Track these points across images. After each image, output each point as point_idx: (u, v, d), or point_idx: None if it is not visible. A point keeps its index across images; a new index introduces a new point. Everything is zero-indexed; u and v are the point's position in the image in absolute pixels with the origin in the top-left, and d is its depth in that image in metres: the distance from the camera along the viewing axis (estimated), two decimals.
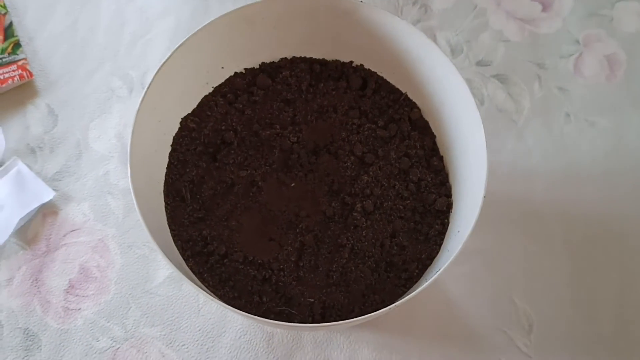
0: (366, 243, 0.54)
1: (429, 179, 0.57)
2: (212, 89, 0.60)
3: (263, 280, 0.52)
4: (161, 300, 0.60)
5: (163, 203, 0.55)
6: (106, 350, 0.58)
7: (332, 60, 0.62)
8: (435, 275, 0.45)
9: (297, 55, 0.61)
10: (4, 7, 0.73)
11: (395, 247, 0.54)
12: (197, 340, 0.58)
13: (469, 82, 0.70)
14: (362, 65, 0.61)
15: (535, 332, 0.59)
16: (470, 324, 0.60)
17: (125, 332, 0.59)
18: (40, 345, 0.58)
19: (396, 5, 0.75)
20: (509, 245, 0.63)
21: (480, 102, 0.70)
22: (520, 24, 0.75)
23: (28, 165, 0.65)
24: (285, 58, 0.61)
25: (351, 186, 0.56)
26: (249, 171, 0.57)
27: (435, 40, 0.73)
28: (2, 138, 0.66)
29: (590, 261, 0.62)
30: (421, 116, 0.60)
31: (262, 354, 0.58)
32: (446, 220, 0.55)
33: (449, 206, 0.55)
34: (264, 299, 0.51)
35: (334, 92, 0.60)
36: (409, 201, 0.56)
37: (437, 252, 0.54)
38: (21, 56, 0.70)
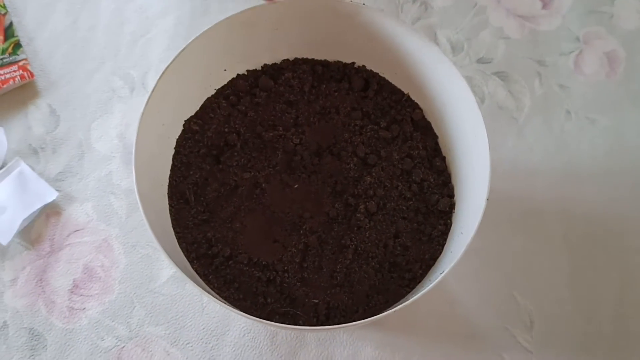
0: (369, 244, 0.54)
1: (432, 180, 0.57)
2: (215, 91, 0.60)
3: (268, 282, 0.53)
4: (165, 299, 0.60)
5: (167, 205, 0.55)
6: (111, 349, 0.59)
7: (334, 61, 0.62)
8: (440, 278, 0.46)
9: (299, 56, 0.61)
10: (4, 7, 0.72)
11: (399, 248, 0.54)
12: (201, 339, 0.59)
13: (469, 79, 0.71)
14: (364, 66, 0.61)
15: (536, 328, 0.60)
16: (472, 321, 0.60)
17: (130, 331, 0.59)
18: (46, 345, 0.59)
19: (396, 3, 0.75)
20: (510, 242, 0.63)
21: (481, 99, 0.70)
22: (521, 21, 0.75)
23: (30, 166, 0.65)
24: (287, 59, 0.61)
25: (354, 187, 0.56)
26: (252, 173, 0.57)
27: (435, 38, 0.73)
28: (4, 139, 0.66)
29: (591, 258, 0.63)
30: (423, 117, 0.60)
31: (266, 351, 0.58)
32: (449, 221, 0.55)
33: (452, 207, 0.56)
34: (269, 300, 0.52)
35: (336, 94, 0.61)
36: (411, 202, 0.56)
37: (440, 253, 0.54)
38: (22, 56, 0.70)
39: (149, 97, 0.52)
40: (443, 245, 0.54)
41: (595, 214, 0.65)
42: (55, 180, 0.66)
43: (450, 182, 0.57)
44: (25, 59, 0.70)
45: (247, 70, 0.61)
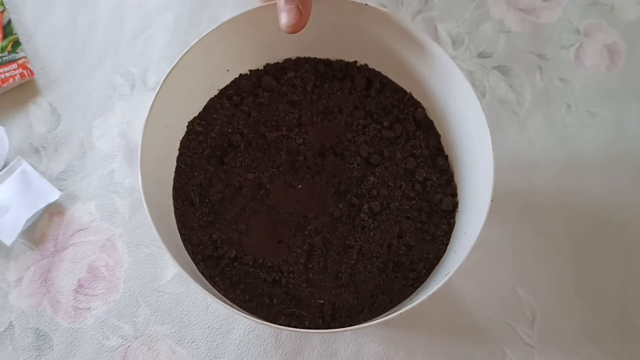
0: (374, 244, 0.54)
1: (435, 179, 0.57)
2: (218, 91, 0.60)
3: (273, 283, 0.53)
4: (170, 298, 0.61)
5: (172, 207, 0.55)
6: (117, 348, 0.59)
7: (336, 60, 0.61)
8: (445, 279, 0.46)
9: (301, 55, 0.61)
10: (2, 4, 0.71)
11: (403, 248, 0.55)
12: (206, 337, 0.59)
13: (470, 74, 0.71)
14: (366, 65, 0.61)
15: (538, 322, 0.60)
16: (474, 315, 0.61)
17: (135, 330, 0.60)
18: (52, 345, 0.59)
19: None
20: (512, 236, 0.64)
21: (481, 94, 0.70)
22: (521, 14, 0.75)
23: (32, 165, 0.65)
24: (290, 59, 0.61)
25: (358, 187, 0.57)
26: (256, 174, 0.57)
27: (436, 31, 0.73)
28: (6, 138, 0.65)
29: (593, 251, 0.63)
30: (426, 115, 0.60)
31: (270, 349, 0.59)
32: (452, 220, 0.55)
33: (455, 206, 0.56)
34: (275, 301, 0.52)
35: (338, 93, 0.60)
36: (415, 201, 0.56)
37: (444, 252, 0.54)
38: (21, 54, 0.69)
39: (154, 100, 0.52)
40: (447, 244, 0.55)
41: (597, 207, 0.65)
42: (58, 180, 0.65)
43: (453, 181, 0.57)
44: (25, 57, 0.69)
45: (250, 70, 0.61)
